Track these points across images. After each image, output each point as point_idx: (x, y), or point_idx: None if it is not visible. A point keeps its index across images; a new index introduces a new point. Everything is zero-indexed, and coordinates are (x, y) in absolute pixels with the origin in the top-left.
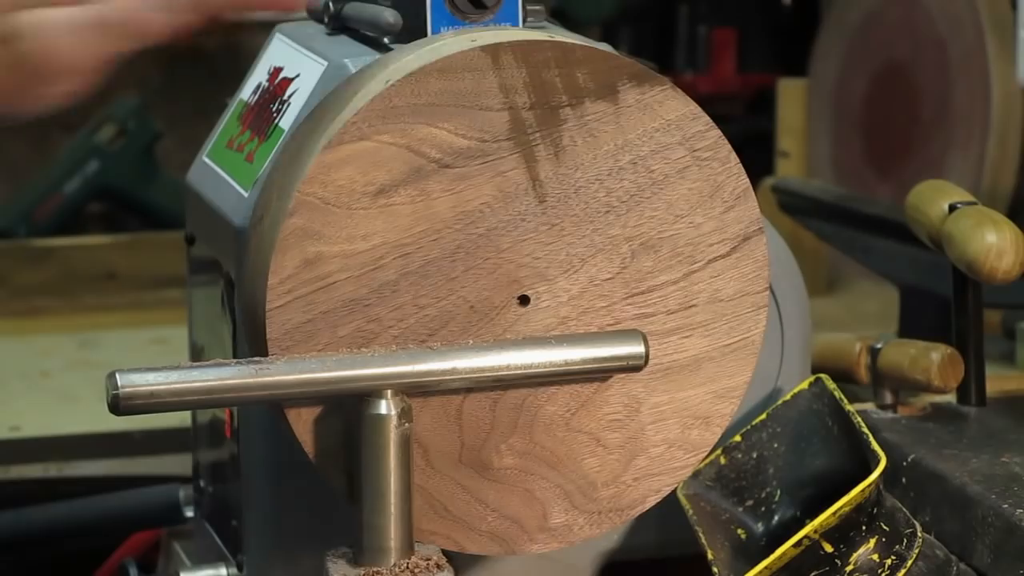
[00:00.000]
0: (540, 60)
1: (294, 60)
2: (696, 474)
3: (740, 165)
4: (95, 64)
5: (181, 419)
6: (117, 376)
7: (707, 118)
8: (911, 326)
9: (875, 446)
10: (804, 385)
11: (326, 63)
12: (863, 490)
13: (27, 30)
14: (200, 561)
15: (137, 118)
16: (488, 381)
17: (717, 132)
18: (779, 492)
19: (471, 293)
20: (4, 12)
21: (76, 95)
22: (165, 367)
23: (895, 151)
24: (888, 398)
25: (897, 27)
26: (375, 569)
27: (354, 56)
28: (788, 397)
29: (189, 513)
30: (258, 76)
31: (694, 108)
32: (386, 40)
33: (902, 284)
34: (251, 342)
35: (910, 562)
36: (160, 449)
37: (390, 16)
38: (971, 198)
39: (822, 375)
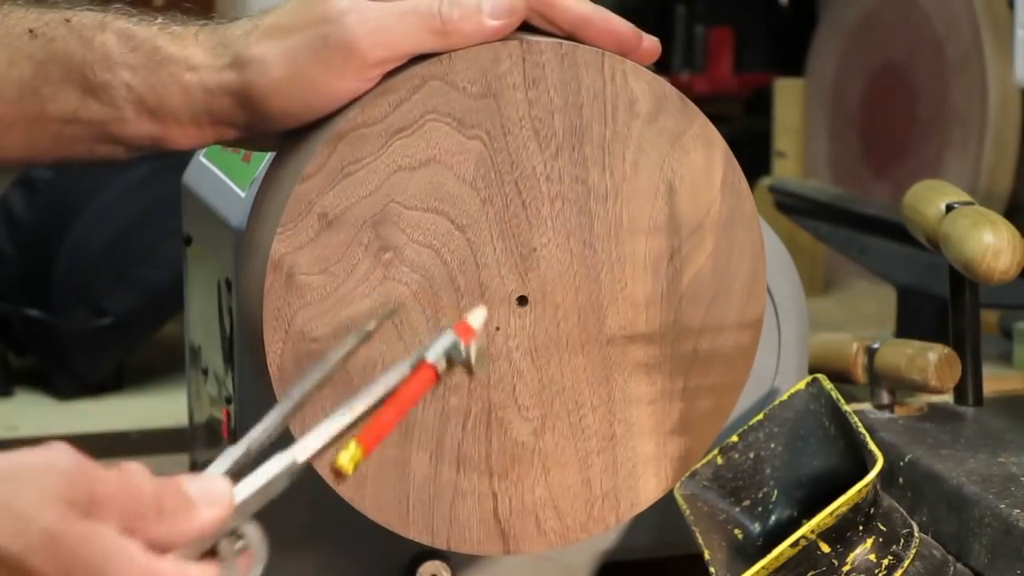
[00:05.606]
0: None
1: None
2: (693, 474)
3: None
4: (392, 56)
5: (178, 419)
6: None
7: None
8: (908, 326)
9: (872, 446)
10: (801, 385)
11: None
12: (860, 490)
13: (334, 14)
14: None
15: None
16: None
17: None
18: (776, 492)
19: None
20: None
21: (359, 92)
22: None
23: (892, 151)
24: (885, 398)
25: (894, 27)
26: None
27: None
28: (785, 397)
29: None
30: None
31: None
32: None
33: (899, 284)
34: (248, 342)
35: (907, 562)
36: (157, 449)
37: None
38: (968, 198)
39: (819, 375)
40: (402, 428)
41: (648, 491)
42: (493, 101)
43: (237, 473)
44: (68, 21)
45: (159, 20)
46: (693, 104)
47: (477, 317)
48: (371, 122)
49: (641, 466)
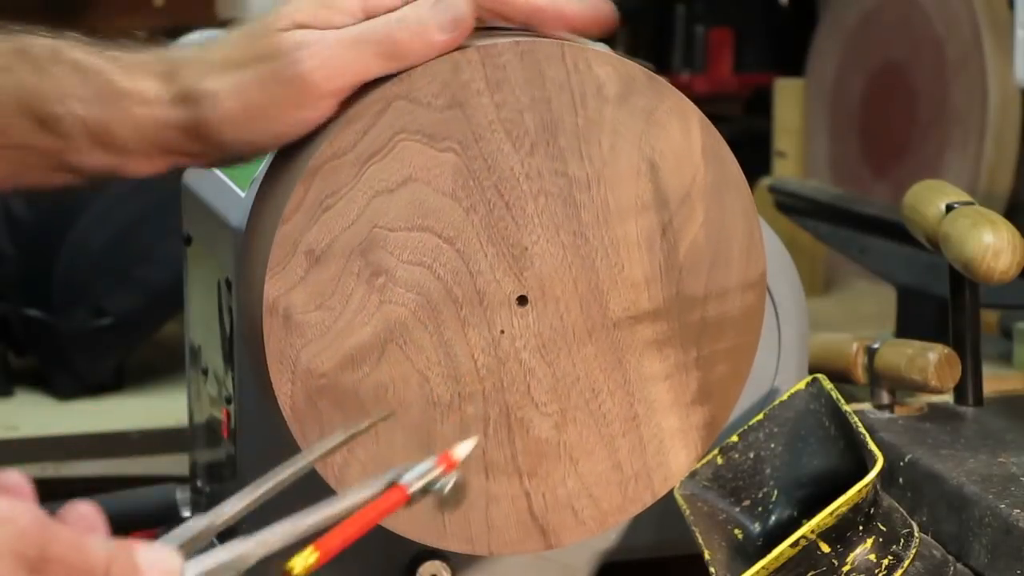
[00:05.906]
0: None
1: None
2: (693, 474)
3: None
4: (346, 85)
5: (178, 419)
6: None
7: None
8: (908, 326)
9: (872, 446)
10: (801, 385)
11: None
12: (860, 490)
13: (286, 47)
14: None
15: None
16: None
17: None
18: (776, 492)
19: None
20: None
21: (319, 120)
22: None
23: (892, 151)
24: (885, 398)
25: (894, 27)
26: None
27: None
28: (785, 397)
29: (186, 513)
30: None
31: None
32: None
33: (899, 284)
34: (248, 342)
35: (907, 562)
36: (157, 449)
37: None
38: (968, 198)
39: (819, 375)
40: (425, 448)
41: (680, 463)
42: (460, 111)
43: (192, 545)
44: (22, 52)
45: (113, 51)
46: (663, 79)
47: (464, 448)
48: (341, 152)
49: (668, 441)
